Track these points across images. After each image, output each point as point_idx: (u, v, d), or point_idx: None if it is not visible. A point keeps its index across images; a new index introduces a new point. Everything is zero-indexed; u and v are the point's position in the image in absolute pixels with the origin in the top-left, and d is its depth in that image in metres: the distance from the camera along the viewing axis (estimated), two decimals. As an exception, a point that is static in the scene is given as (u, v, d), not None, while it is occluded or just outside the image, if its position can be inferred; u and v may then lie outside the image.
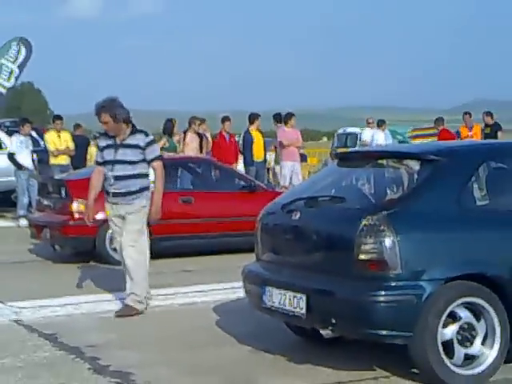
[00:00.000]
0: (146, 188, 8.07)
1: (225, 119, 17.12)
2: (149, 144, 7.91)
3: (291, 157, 17.12)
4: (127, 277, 8.00)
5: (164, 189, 11.95)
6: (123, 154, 7.91)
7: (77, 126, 20.30)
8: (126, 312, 7.83)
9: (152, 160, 7.91)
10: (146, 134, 7.97)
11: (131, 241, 7.89)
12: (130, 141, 7.91)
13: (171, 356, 6.48)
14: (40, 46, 25.20)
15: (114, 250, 11.13)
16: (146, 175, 7.96)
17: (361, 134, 20.40)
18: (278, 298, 6.08)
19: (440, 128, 19.58)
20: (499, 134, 18.63)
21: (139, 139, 7.89)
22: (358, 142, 21.32)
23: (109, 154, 8.02)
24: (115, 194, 8.00)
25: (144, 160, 7.90)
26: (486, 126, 19.22)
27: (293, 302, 5.92)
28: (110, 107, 7.90)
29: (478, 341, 5.61)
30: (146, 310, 7.99)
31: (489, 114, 19.55)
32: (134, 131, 7.98)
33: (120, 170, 7.95)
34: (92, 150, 17.29)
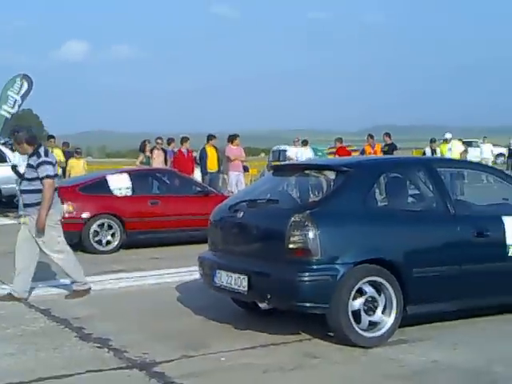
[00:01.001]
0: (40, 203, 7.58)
1: (184, 139, 17.27)
2: (39, 164, 7.51)
3: (236, 168, 17.27)
4: (65, 271, 7.93)
5: (137, 193, 12.08)
6: (26, 172, 7.77)
7: (65, 143, 20.52)
8: (76, 296, 7.76)
9: (42, 178, 7.48)
10: (39, 156, 7.56)
11: (49, 251, 7.65)
12: (29, 161, 7.70)
13: (141, 325, 6.53)
14: (38, 81, 25.50)
15: (97, 242, 11.24)
16: (41, 190, 7.55)
17: (286, 151, 20.63)
18: (225, 278, 6.16)
19: (337, 145, 19.87)
20: (395, 152, 18.99)
21: (34, 160, 7.60)
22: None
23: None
24: (22, 206, 7.93)
25: (38, 178, 7.54)
26: (385, 145, 19.49)
27: (237, 282, 6.00)
28: (18, 131, 7.80)
29: (379, 310, 5.74)
30: (91, 290, 7.93)
31: (387, 134, 19.88)
32: (34, 153, 7.66)
33: (22, 185, 7.85)
34: (72, 162, 17.29)
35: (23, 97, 24.78)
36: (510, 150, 34.40)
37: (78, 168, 16.65)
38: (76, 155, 17.39)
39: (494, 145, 33.09)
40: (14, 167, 15.97)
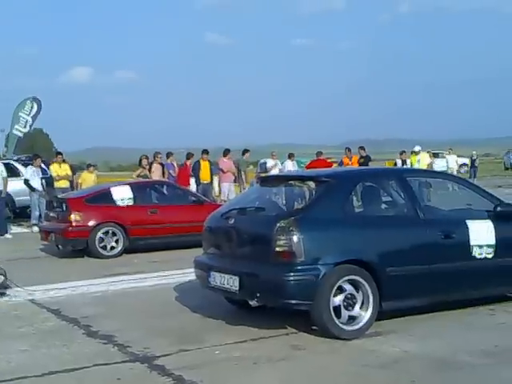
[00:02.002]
0: None
1: (189, 154, 17.42)
2: None
3: (228, 179, 17.33)
4: None
5: (138, 203, 12.10)
6: None
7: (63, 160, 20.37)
8: None
9: None
10: None
11: None
12: None
13: (143, 323, 6.51)
14: (48, 102, 25.71)
15: (102, 247, 11.22)
16: None
17: (266, 163, 20.67)
18: (219, 279, 6.15)
19: (318, 157, 19.93)
20: (370, 163, 19.12)
21: None
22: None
23: None
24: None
25: None
26: (361, 157, 19.59)
27: (229, 282, 5.99)
28: None
29: (357, 306, 5.75)
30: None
31: (362, 148, 20.03)
32: None
33: None
34: (85, 176, 17.16)
35: (33, 117, 24.96)
36: (472, 160, 34.71)
37: (89, 181, 16.57)
38: (89, 169, 17.28)
39: (458, 156, 33.28)
40: (26, 181, 16.05)
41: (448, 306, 6.44)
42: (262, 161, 20.17)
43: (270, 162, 19.95)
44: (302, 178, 6.76)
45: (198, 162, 17.18)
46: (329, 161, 19.72)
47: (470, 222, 6.40)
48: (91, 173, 16.97)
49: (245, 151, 19.51)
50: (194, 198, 12.78)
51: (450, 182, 7.55)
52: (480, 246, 6.38)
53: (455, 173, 26.28)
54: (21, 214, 17.33)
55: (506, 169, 45.22)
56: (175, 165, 17.10)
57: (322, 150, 21.10)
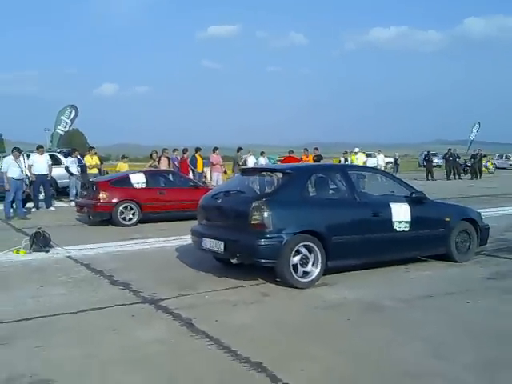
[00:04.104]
0: None
1: (184, 150, 17.22)
2: None
3: (217, 170, 17.24)
4: None
5: (150, 186, 12.01)
6: None
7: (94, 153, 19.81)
8: None
9: None
10: None
11: None
12: None
13: (152, 274, 6.49)
14: (83, 110, 25.47)
15: (122, 218, 11.11)
16: None
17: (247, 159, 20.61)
18: (209, 243, 6.12)
19: (290, 155, 19.90)
20: (322, 160, 19.16)
21: None
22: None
23: None
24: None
25: None
26: (315, 155, 19.63)
27: (217, 245, 5.98)
28: None
29: (310, 264, 5.78)
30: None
31: (316, 148, 20.06)
32: None
33: None
34: (121, 165, 16.67)
35: (72, 120, 24.68)
36: (395, 159, 35.00)
37: (124, 168, 16.16)
38: (123, 160, 16.90)
39: (385, 156, 33.44)
40: (66, 168, 15.85)
41: (376, 265, 6.50)
42: (244, 156, 20.06)
43: (249, 160, 19.79)
44: (272, 170, 6.70)
45: (194, 156, 17.14)
46: (297, 157, 19.71)
47: (392, 204, 6.43)
48: (125, 163, 16.72)
49: (239, 149, 19.37)
50: (191, 183, 12.71)
51: (378, 175, 7.60)
52: (399, 222, 6.42)
53: (383, 168, 26.47)
54: (62, 192, 17.16)
55: (420, 166, 45.63)
56: (179, 158, 16.98)
57: (287, 150, 21.11)
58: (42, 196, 14.46)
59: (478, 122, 42.88)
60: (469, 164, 31.19)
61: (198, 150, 17.36)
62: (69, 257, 7.71)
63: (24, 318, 4.80)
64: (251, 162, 19.31)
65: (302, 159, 19.59)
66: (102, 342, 4.17)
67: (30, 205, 13.79)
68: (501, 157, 46.26)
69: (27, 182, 13.68)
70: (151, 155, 16.19)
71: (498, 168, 40.37)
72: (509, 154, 47.03)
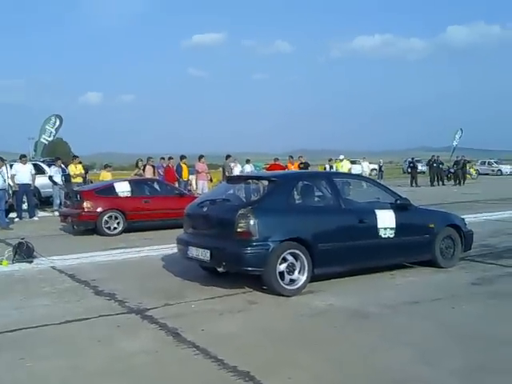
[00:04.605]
0: None
1: (169, 158, 17.17)
2: None
3: (203, 178, 17.19)
4: None
5: (134, 195, 11.97)
6: None
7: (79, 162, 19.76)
8: None
9: None
10: None
11: None
12: None
13: (137, 284, 6.44)
14: (68, 118, 25.39)
15: (107, 228, 11.04)
16: None
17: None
18: (195, 252, 6.08)
19: (275, 162, 19.96)
20: (309, 168, 19.28)
21: None
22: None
23: None
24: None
25: None
26: (301, 162, 19.75)
27: (203, 254, 5.94)
28: None
29: (296, 272, 5.77)
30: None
31: (301, 156, 20.22)
32: None
33: None
34: (104, 174, 16.54)
35: (57, 129, 24.61)
36: (379, 166, 35.34)
37: (107, 178, 16.09)
38: (106, 168, 16.76)
39: (370, 163, 33.73)
40: (50, 177, 15.71)
41: (362, 271, 6.51)
42: (230, 164, 20.05)
43: (237, 169, 19.81)
44: (258, 178, 6.73)
45: (180, 164, 17.14)
46: (283, 165, 19.80)
47: (377, 211, 6.46)
48: (108, 171, 16.59)
49: (227, 156, 19.44)
50: (176, 191, 12.67)
51: (363, 182, 7.63)
52: (385, 229, 6.45)
53: (367, 175, 26.69)
54: (45, 202, 16.98)
55: (404, 173, 46.08)
56: (164, 166, 16.95)
57: (273, 157, 21.17)
58: (25, 206, 14.31)
59: (461, 129, 43.53)
60: (452, 170, 31.59)
61: (182, 157, 17.37)
62: (53, 267, 7.62)
63: (8, 329, 4.72)
64: (237, 170, 19.34)
65: (287, 167, 19.69)
66: (87, 354, 4.12)
67: (13, 215, 13.64)
68: (483, 163, 46.95)
69: (10, 192, 13.52)
70: (137, 163, 16.16)
71: (481, 174, 40.94)
72: (491, 161, 47.77)
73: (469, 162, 31.27)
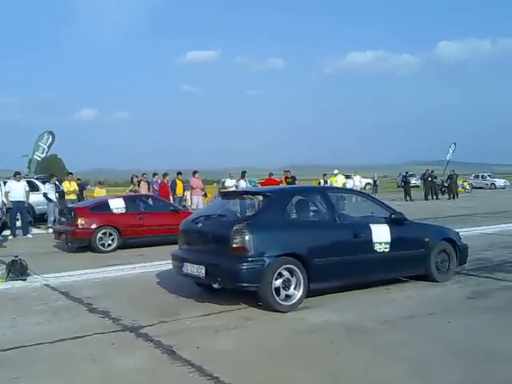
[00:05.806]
0: None
1: (164, 174, 17.17)
2: None
3: (197, 194, 17.16)
4: None
5: (129, 211, 11.94)
6: None
7: (78, 179, 19.75)
8: None
9: None
10: None
11: None
12: None
13: (132, 301, 6.40)
14: (61, 135, 25.33)
15: (101, 245, 11.00)
16: None
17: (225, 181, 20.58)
18: (190, 268, 6.05)
19: (270, 177, 19.96)
20: (296, 182, 19.27)
21: None
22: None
23: None
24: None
25: None
26: (286, 177, 19.65)
27: (198, 270, 5.91)
28: None
29: (292, 287, 5.75)
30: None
31: (288, 171, 19.67)
32: None
33: None
34: (98, 191, 16.52)
35: (49, 146, 24.58)
36: (374, 180, 35.45)
37: (101, 194, 16.09)
38: (100, 185, 16.75)
39: (362, 177, 33.73)
40: (44, 194, 15.66)
41: (357, 286, 6.51)
42: (224, 179, 20.07)
43: (227, 181, 19.80)
44: (252, 193, 6.73)
45: (175, 180, 17.11)
46: (277, 180, 19.79)
47: (372, 226, 6.48)
48: (102, 188, 16.55)
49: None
50: (171, 208, 12.63)
51: (358, 197, 7.64)
52: (380, 243, 6.45)
53: (359, 189, 26.77)
54: (39, 219, 16.90)
55: (398, 187, 46.27)
56: (159, 182, 16.94)
57: (267, 172, 21.20)
58: (19, 223, 14.23)
59: (454, 143, 43.84)
60: (446, 184, 31.74)
61: (179, 173, 17.36)
62: (47, 285, 7.56)
63: (2, 348, 4.68)
64: (229, 182, 19.31)
65: (281, 181, 19.72)
66: (81, 372, 4.07)
67: (6, 232, 13.54)
68: (477, 176, 47.25)
69: (4, 210, 13.45)
70: (132, 179, 16.17)
71: (475, 188, 41.17)
72: (485, 174, 48.07)
73: (457, 175, 31.42)
